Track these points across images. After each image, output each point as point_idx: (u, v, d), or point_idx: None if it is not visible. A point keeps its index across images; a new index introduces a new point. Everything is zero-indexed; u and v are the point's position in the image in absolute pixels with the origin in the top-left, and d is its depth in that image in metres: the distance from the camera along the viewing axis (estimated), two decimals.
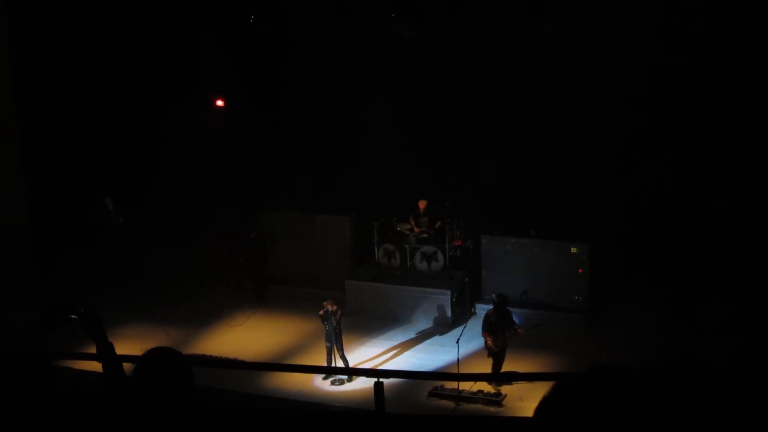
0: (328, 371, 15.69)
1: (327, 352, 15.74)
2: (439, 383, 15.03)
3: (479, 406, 14.54)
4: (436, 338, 17.49)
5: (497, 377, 15.16)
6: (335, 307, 15.70)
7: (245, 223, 20.26)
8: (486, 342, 15.19)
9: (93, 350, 3.85)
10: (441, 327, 17.90)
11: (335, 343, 15.68)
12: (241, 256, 19.77)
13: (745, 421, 2.30)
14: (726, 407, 2.27)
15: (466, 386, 14.76)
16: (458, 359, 15.03)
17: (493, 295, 15.75)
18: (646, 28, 17.29)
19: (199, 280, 20.01)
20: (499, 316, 15.29)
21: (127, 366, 3.72)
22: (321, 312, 15.65)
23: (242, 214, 20.35)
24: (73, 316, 3.80)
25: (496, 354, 15.14)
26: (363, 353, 16.67)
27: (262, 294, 19.52)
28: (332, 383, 15.47)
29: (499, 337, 15.11)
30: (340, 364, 15.69)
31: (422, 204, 18.94)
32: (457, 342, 15.11)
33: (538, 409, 2.28)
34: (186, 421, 3.33)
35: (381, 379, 9.45)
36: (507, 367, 15.28)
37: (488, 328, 15.18)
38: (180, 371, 3.38)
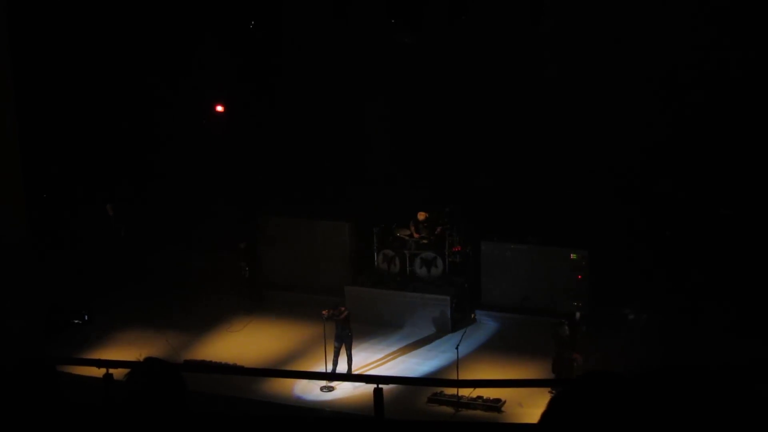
0: (328, 377, 15.69)
1: (335, 352, 15.87)
2: (438, 389, 15.02)
3: (478, 412, 14.53)
4: (436, 344, 17.48)
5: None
6: (342, 310, 16.02)
7: (245, 229, 20.27)
8: (575, 360, 14.77)
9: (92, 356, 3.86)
10: (440, 333, 17.89)
11: (345, 343, 15.94)
12: (241, 268, 19.82)
13: (742, 428, 2.30)
14: (723, 415, 2.26)
15: (465, 392, 14.75)
16: (457, 365, 15.03)
17: (577, 314, 15.51)
18: (646, 33, 17.31)
19: (199, 285, 19.97)
20: (572, 331, 15.05)
21: (122, 372, 3.74)
22: (327, 312, 15.92)
23: (242, 220, 20.33)
24: (77, 321, 3.82)
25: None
26: (362, 359, 16.67)
27: (257, 301, 19.50)
28: (321, 389, 15.52)
29: (573, 354, 14.77)
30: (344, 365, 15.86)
31: (421, 216, 18.86)
32: (457, 348, 15.11)
33: (539, 425, 2.28)
34: (177, 429, 3.33)
35: (380, 385, 9.47)
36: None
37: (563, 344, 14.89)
38: (170, 381, 3.38)
